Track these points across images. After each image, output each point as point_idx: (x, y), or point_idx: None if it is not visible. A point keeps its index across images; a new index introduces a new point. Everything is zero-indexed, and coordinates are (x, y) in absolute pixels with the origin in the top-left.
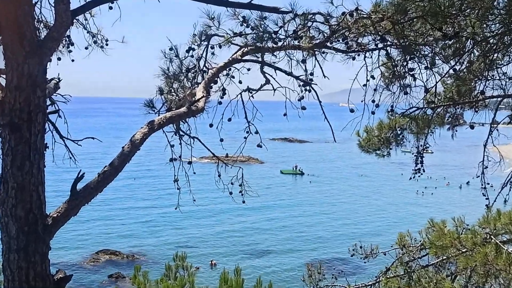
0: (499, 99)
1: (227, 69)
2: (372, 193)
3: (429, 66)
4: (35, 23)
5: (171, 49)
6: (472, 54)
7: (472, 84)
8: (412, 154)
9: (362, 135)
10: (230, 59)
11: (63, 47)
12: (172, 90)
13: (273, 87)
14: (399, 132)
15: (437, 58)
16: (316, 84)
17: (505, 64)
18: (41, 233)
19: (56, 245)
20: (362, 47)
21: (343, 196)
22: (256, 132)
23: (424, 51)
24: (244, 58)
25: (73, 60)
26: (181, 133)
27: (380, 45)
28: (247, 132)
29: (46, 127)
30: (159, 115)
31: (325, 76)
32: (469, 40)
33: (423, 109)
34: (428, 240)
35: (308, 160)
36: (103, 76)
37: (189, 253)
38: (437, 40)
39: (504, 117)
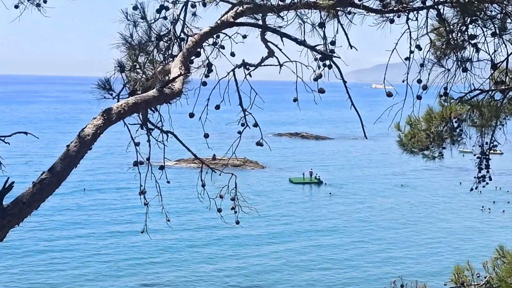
0: None
1: (214, 36)
2: (418, 211)
3: (497, 32)
4: None
5: (135, 8)
6: None
7: None
8: (474, 155)
9: (404, 129)
10: (219, 22)
11: None
12: (137, 66)
13: (278, 61)
14: (455, 125)
15: (509, 21)
16: (339, 58)
17: None
18: None
19: None
20: (404, 5)
21: (377, 215)
22: (255, 125)
23: (491, 11)
24: (238, 21)
25: None
26: (149, 126)
27: (429, 3)
28: (243, 124)
29: None
30: (118, 101)
31: (351, 46)
32: None
33: (490, 92)
34: (497, 276)
35: (328, 164)
36: (39, 47)
37: None
38: None
39: None
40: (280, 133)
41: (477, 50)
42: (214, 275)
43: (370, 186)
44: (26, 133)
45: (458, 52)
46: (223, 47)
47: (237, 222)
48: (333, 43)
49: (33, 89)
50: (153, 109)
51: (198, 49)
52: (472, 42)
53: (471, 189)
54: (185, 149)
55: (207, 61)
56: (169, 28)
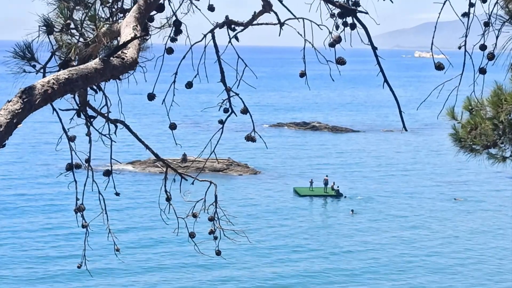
0: None
1: None
2: (482, 240)
3: None
4: None
5: None
6: None
7: None
8: None
9: (461, 116)
10: None
11: None
12: (72, 25)
13: (278, 19)
14: None
15: None
16: (367, 13)
17: None
18: None
19: None
20: None
21: (422, 245)
22: (244, 112)
23: None
24: None
25: None
26: (90, 112)
27: None
28: (226, 110)
29: None
30: (44, 76)
31: None
32: None
33: None
34: None
35: (350, 168)
36: None
37: None
38: None
39: None
40: (280, 123)
41: None
42: None
43: (411, 201)
44: None
45: None
46: None
47: (218, 253)
48: None
49: None
50: (95, 87)
51: (160, 1)
52: None
53: None
54: (142, 146)
55: (173, 17)
56: None
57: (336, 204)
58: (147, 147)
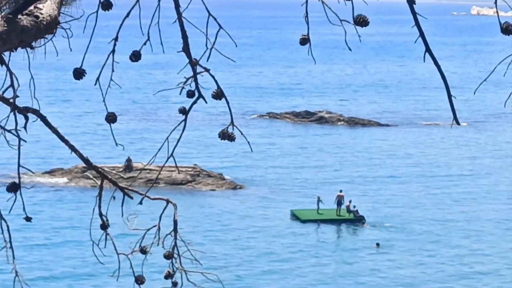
0: None
1: None
2: None
3: None
4: None
5: None
6: None
7: None
8: None
9: None
10: None
11: None
12: None
13: None
14: None
15: None
16: None
17: None
18: None
19: None
20: None
21: None
22: (217, 96)
23: None
24: None
25: None
26: None
27: None
28: (191, 94)
29: None
30: None
31: None
32: None
33: None
34: None
35: (377, 180)
36: None
37: None
38: None
39: None
40: (272, 112)
41: None
42: None
43: (466, 230)
44: None
45: None
46: None
47: None
48: None
49: None
50: None
51: None
52: None
53: None
54: (65, 147)
55: None
56: None
57: (354, 232)
58: (72, 149)
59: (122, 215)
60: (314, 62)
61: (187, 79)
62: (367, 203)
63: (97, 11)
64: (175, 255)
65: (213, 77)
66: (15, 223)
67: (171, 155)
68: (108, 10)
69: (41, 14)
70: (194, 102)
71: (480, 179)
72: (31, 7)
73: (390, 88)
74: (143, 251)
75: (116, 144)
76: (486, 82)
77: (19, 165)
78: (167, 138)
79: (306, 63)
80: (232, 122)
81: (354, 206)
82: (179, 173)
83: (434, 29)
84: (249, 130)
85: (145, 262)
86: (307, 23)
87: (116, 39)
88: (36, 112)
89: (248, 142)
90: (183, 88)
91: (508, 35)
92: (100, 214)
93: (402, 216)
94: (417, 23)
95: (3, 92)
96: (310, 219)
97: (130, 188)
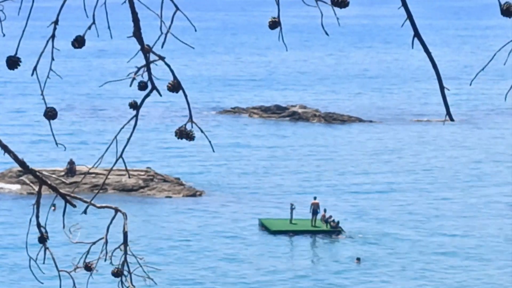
0: None
1: None
2: None
3: None
4: None
5: None
6: None
7: None
8: None
9: None
10: None
11: None
12: None
13: None
14: None
15: None
16: None
17: None
18: None
19: None
20: None
21: None
22: (173, 88)
23: None
24: None
25: None
26: None
27: None
28: (143, 86)
29: None
30: None
31: None
32: None
33: None
34: None
35: (357, 185)
36: None
37: None
38: None
39: None
40: (238, 107)
41: None
42: None
43: (461, 241)
44: None
45: None
46: None
47: None
48: None
49: None
50: None
51: None
52: None
53: None
54: None
55: None
56: None
57: (331, 245)
58: (5, 149)
59: (64, 226)
60: (285, 49)
61: (139, 68)
62: (346, 212)
63: None
64: (125, 272)
65: (168, 66)
66: None
67: (120, 156)
68: None
69: None
70: (147, 96)
71: (476, 185)
72: None
73: (375, 79)
74: (88, 267)
75: (57, 144)
76: (485, 72)
77: None
78: (115, 137)
79: (278, 51)
80: (191, 119)
81: (331, 216)
82: (129, 177)
83: (425, 11)
84: (211, 128)
85: (91, 280)
86: (278, 3)
87: (56, 22)
88: None
89: (210, 142)
90: (134, 79)
91: (509, 17)
92: (38, 225)
93: (385, 227)
94: (404, 4)
95: None
96: (280, 230)
97: (72, 195)
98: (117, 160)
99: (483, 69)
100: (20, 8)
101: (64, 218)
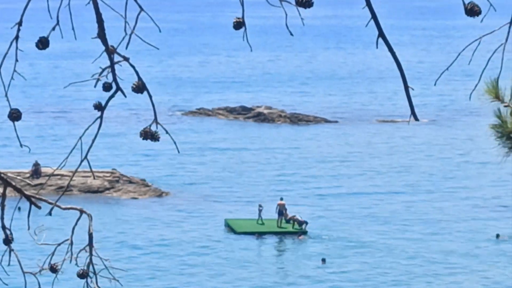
0: None
1: None
2: None
3: None
4: None
5: None
6: None
7: None
8: None
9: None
10: None
11: None
12: None
13: None
14: None
15: None
16: None
17: None
18: None
19: None
20: None
21: None
22: (138, 89)
23: None
24: None
25: None
26: None
27: None
28: (107, 87)
29: None
30: None
31: None
32: None
33: None
34: None
35: (323, 186)
36: None
37: None
38: None
39: None
40: (203, 108)
41: None
42: None
43: (426, 241)
44: None
45: None
46: None
47: None
48: None
49: None
50: None
51: None
52: None
53: None
54: None
55: None
56: None
57: (297, 246)
58: None
59: (29, 228)
60: (250, 50)
61: (103, 69)
62: (312, 212)
63: None
64: (91, 274)
65: (133, 67)
66: None
67: (85, 157)
68: None
69: None
70: (112, 96)
71: (442, 181)
72: None
73: (342, 80)
74: (54, 269)
75: (21, 145)
76: (453, 72)
77: None
78: (80, 138)
79: (244, 52)
80: (155, 119)
81: (294, 215)
82: (94, 178)
83: (391, 10)
84: (176, 129)
85: (56, 281)
86: (242, 4)
87: (20, 23)
88: None
89: (175, 143)
90: (98, 80)
91: (473, 16)
92: (3, 227)
93: (351, 228)
94: (369, 4)
95: None
96: (246, 231)
97: (37, 196)
98: (82, 161)
99: (447, 69)
100: None
101: (29, 220)
